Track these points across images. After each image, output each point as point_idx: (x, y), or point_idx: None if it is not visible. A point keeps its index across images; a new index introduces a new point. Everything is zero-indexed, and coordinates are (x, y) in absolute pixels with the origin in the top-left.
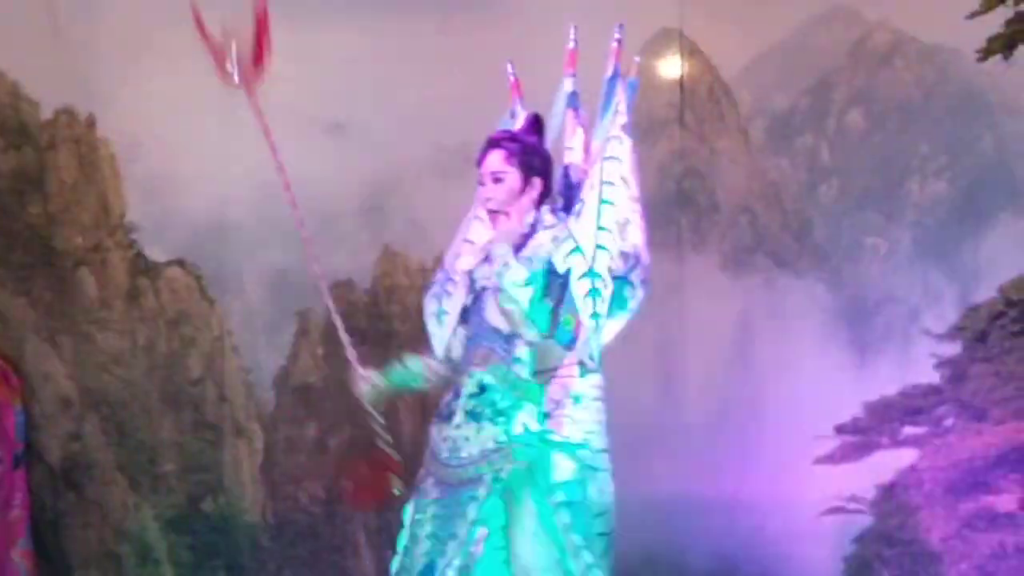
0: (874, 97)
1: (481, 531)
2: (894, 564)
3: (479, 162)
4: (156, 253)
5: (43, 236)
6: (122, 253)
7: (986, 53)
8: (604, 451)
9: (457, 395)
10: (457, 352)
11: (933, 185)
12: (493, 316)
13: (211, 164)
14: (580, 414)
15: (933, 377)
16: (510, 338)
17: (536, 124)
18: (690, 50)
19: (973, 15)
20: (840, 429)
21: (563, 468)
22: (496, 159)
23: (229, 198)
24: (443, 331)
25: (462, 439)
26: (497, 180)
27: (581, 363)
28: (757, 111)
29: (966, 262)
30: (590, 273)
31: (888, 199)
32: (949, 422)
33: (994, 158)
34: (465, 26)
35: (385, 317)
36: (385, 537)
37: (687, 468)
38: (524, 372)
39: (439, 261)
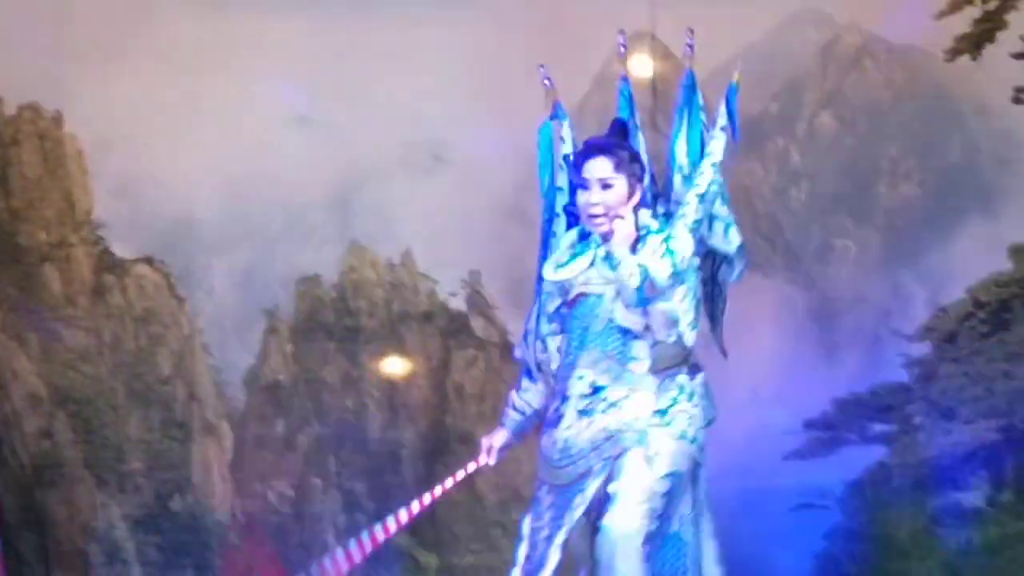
0: (844, 100)
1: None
2: (862, 560)
3: (576, 166)
4: (124, 250)
5: (7, 232)
6: (88, 249)
7: (954, 53)
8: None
9: (564, 399)
10: (555, 363)
11: (902, 187)
12: (623, 317)
13: (180, 162)
14: (693, 410)
15: (903, 376)
16: (628, 339)
17: (624, 129)
18: (662, 53)
19: (941, 15)
20: (809, 424)
21: (672, 458)
22: (605, 166)
23: (198, 196)
24: (552, 351)
25: (572, 437)
26: (606, 186)
27: (693, 363)
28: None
29: (935, 264)
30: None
31: (858, 201)
32: (918, 420)
33: (963, 160)
34: (435, 24)
35: (352, 312)
36: (355, 534)
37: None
38: (641, 369)
39: (407, 256)
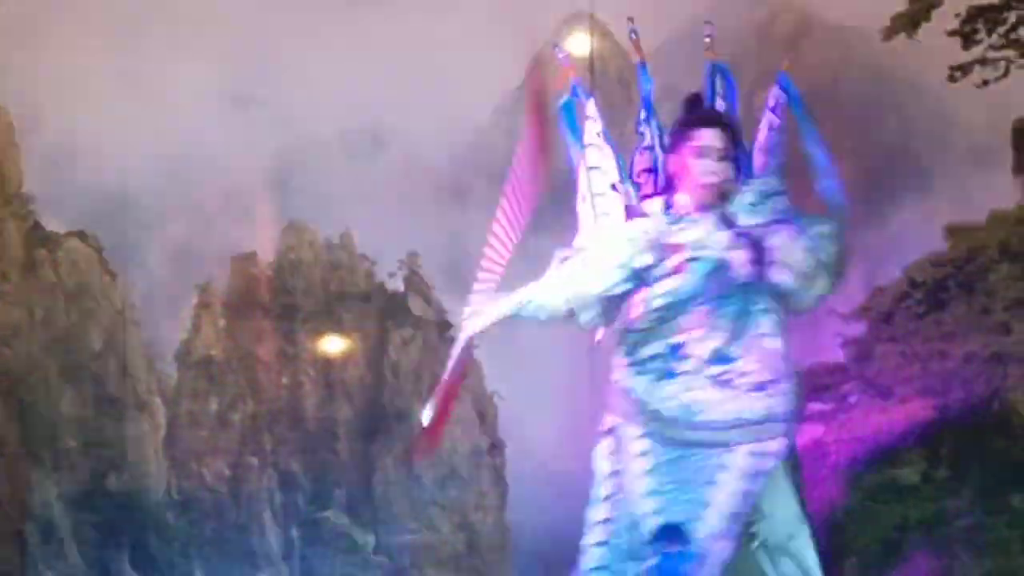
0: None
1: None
2: None
3: (681, 134)
4: (55, 224)
5: None
6: (18, 224)
7: (890, 32)
8: None
9: (677, 356)
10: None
11: (839, 167)
12: (777, 273)
13: (114, 137)
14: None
15: (839, 355)
16: (755, 308)
17: (698, 103)
18: (601, 32)
19: None
20: None
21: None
22: (721, 137)
23: (132, 172)
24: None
25: (704, 403)
26: (723, 158)
27: None
28: (666, 93)
29: (872, 243)
30: None
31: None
32: (854, 399)
33: (899, 139)
34: (376, 7)
35: (289, 291)
36: (292, 514)
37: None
38: (776, 345)
39: (346, 236)
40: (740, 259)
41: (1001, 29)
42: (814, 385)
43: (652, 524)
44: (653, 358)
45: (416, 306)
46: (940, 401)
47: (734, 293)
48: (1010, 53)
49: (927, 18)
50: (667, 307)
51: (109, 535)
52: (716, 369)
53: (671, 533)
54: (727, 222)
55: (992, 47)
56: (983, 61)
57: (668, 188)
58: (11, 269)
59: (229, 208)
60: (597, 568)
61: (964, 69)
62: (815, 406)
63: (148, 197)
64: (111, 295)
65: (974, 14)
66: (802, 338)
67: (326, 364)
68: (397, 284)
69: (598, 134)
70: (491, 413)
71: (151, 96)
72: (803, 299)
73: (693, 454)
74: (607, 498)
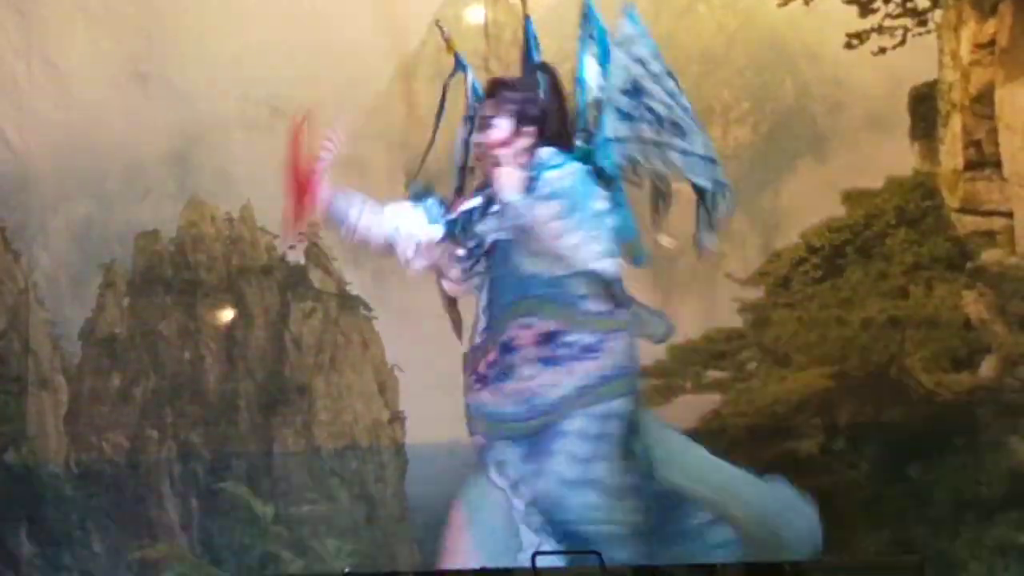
0: (677, 45)
1: None
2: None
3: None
4: None
5: None
6: None
7: None
8: None
9: (511, 351)
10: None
11: (735, 132)
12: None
13: (11, 115)
14: None
15: (737, 321)
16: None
17: (537, 73)
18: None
19: None
20: (643, 372)
21: None
22: (491, 105)
23: (32, 150)
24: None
25: (538, 386)
26: (488, 127)
27: None
28: (560, 58)
29: (768, 207)
30: None
31: None
32: (752, 367)
33: (795, 104)
34: None
35: (191, 266)
36: (190, 485)
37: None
38: (589, 308)
39: (246, 210)
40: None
41: None
42: (711, 352)
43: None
44: (492, 365)
45: (316, 278)
46: (838, 369)
47: (523, 275)
48: (907, 22)
49: None
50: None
51: (6, 509)
52: (545, 351)
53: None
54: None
55: (889, 16)
56: (880, 29)
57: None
58: None
59: (131, 185)
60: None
61: (861, 36)
62: (713, 374)
63: (48, 175)
64: (15, 274)
65: None
66: (699, 304)
67: (227, 339)
68: (298, 257)
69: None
70: (391, 385)
71: (49, 73)
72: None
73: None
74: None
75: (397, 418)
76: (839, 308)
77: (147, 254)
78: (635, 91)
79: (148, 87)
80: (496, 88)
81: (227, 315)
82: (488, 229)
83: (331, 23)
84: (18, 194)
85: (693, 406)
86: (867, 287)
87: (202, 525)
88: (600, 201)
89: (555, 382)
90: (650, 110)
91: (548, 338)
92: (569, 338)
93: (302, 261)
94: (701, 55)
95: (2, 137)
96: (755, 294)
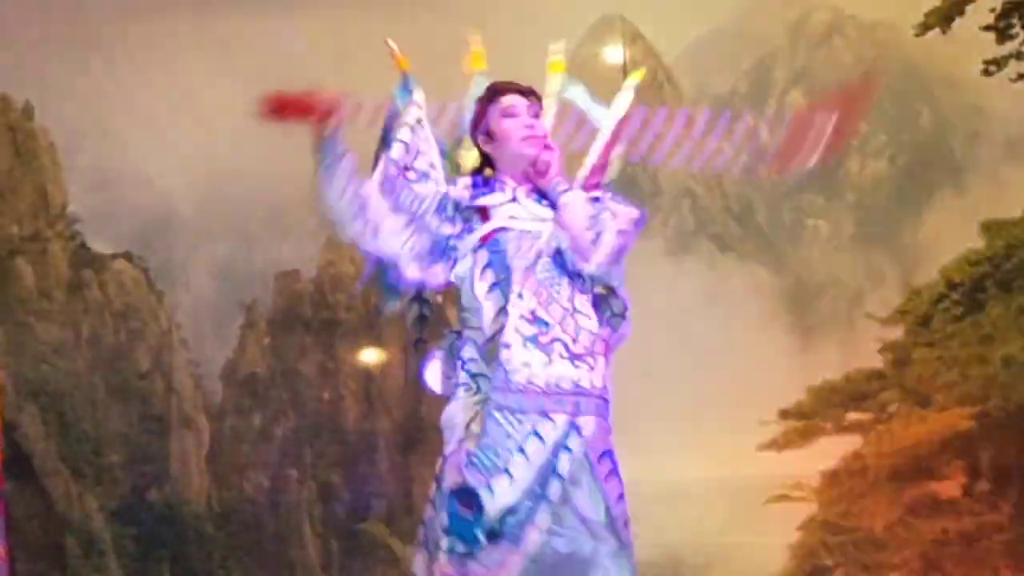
0: (814, 77)
1: None
2: (838, 551)
3: (484, 104)
4: (101, 245)
5: None
6: (63, 244)
7: (924, 28)
8: None
9: (498, 317)
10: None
11: (873, 165)
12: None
13: (156, 157)
14: None
15: (877, 361)
16: (563, 281)
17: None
18: (632, 36)
19: None
20: (784, 414)
21: None
22: (526, 104)
23: (175, 191)
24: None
25: (522, 362)
26: (536, 116)
27: None
28: (699, 94)
29: (908, 242)
30: None
31: (829, 180)
32: (893, 408)
33: (933, 135)
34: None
35: (330, 306)
36: (331, 525)
37: (625, 457)
38: (590, 325)
39: None
40: (549, 232)
41: None
42: (852, 393)
43: (452, 483)
44: (476, 327)
45: (454, 317)
46: (979, 409)
47: (544, 265)
48: None
49: (962, 13)
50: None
51: (150, 548)
52: (532, 329)
53: (466, 497)
54: (539, 193)
55: None
56: (1018, 55)
57: (482, 167)
58: (57, 289)
59: (271, 225)
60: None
61: (999, 63)
62: (854, 416)
63: (191, 216)
64: (158, 315)
65: (1009, 9)
66: (839, 344)
67: (366, 377)
68: (435, 296)
69: (418, 120)
70: None
71: (191, 115)
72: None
73: (513, 419)
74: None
75: None
76: (980, 345)
77: (287, 294)
78: None
79: (288, 128)
80: (526, 89)
81: (365, 354)
82: (527, 212)
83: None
84: (161, 235)
85: (834, 447)
86: (1007, 322)
87: (342, 565)
88: None
89: None
90: None
91: None
92: None
93: (439, 299)
94: (837, 87)
95: (146, 179)
96: (895, 333)
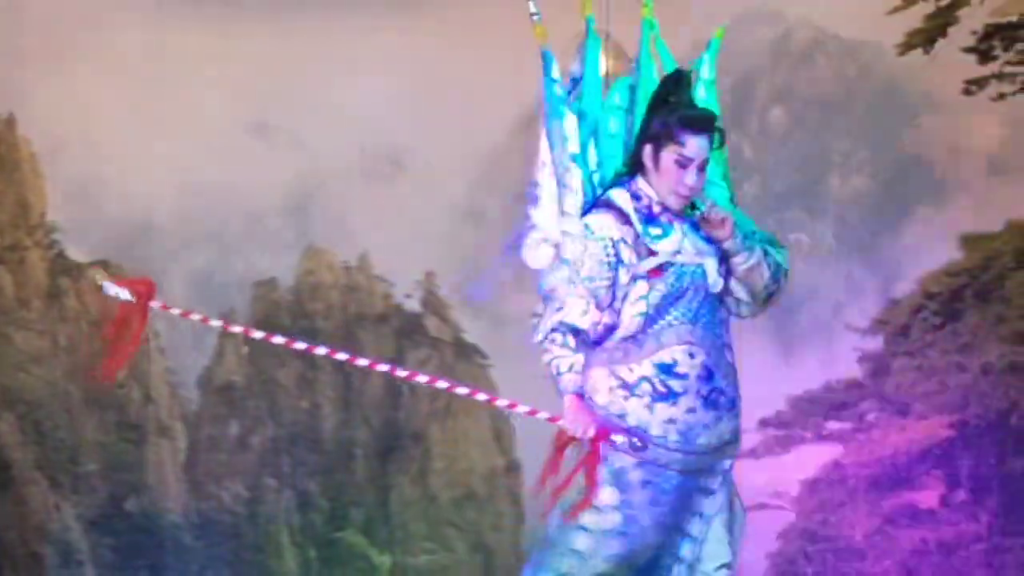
0: (795, 94)
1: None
2: (817, 560)
3: (670, 133)
4: (79, 254)
5: None
6: (42, 253)
7: (906, 48)
8: None
9: (672, 374)
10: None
11: (854, 181)
12: (737, 288)
13: (135, 166)
14: None
15: (856, 371)
16: (721, 318)
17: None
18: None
19: (894, 11)
20: (764, 423)
21: None
22: (706, 148)
23: (154, 200)
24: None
25: (700, 426)
26: (702, 169)
27: None
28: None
29: (887, 256)
30: None
31: (810, 195)
32: (872, 417)
33: (913, 152)
34: (390, 31)
35: (308, 314)
36: (309, 534)
37: None
38: (732, 359)
39: (363, 259)
40: (712, 268)
41: (1020, 46)
42: (831, 403)
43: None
44: (641, 380)
45: (432, 326)
46: (958, 418)
47: (703, 304)
48: None
49: (943, 34)
50: (645, 317)
51: (127, 557)
52: (706, 388)
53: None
54: (694, 226)
55: (1009, 63)
56: (1000, 76)
57: (632, 175)
58: (35, 298)
59: (249, 234)
60: None
61: (980, 83)
62: (833, 425)
63: (170, 225)
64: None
65: (991, 32)
66: (818, 354)
67: (344, 386)
68: (414, 305)
69: (562, 97)
70: (507, 433)
71: (170, 125)
72: (740, 314)
73: (686, 481)
74: (614, 532)
75: (513, 467)
76: (959, 354)
77: (265, 302)
78: None
79: (268, 137)
80: (714, 125)
81: (344, 363)
82: (691, 247)
83: (450, 78)
84: (139, 244)
85: (813, 456)
86: (986, 331)
87: (320, 574)
88: None
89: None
90: None
91: None
92: None
93: (418, 309)
94: (819, 105)
95: (124, 186)
96: (874, 343)
